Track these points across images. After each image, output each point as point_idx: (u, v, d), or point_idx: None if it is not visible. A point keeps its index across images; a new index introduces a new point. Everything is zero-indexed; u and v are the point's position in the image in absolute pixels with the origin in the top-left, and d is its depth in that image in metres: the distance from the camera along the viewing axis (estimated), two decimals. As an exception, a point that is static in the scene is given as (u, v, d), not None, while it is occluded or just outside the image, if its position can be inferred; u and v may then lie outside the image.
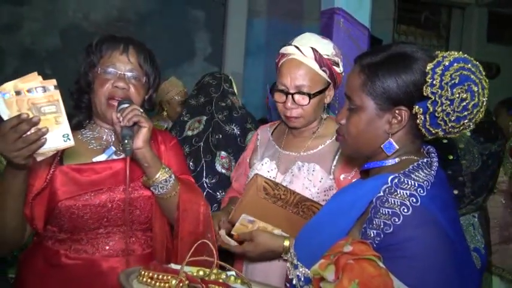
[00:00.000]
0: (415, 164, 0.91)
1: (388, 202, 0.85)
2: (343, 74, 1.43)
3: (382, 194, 0.87)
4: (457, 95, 0.86)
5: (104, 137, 1.31)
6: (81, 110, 1.30)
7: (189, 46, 4.60)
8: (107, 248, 1.24)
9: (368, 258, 0.76)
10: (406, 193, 0.85)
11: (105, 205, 1.22)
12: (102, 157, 1.27)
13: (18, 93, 0.98)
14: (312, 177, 1.37)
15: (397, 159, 0.94)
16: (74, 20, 4.26)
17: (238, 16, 4.56)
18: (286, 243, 1.28)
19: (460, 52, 0.88)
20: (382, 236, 0.84)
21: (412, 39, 5.39)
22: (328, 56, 1.37)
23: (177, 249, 1.26)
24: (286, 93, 1.37)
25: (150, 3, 4.46)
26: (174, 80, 3.16)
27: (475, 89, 0.87)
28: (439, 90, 0.86)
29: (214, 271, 0.92)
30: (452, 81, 0.86)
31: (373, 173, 0.98)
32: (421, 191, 0.86)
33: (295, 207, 1.31)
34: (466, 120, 0.89)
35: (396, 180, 0.88)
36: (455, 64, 0.86)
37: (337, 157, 1.38)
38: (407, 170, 0.89)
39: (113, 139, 1.32)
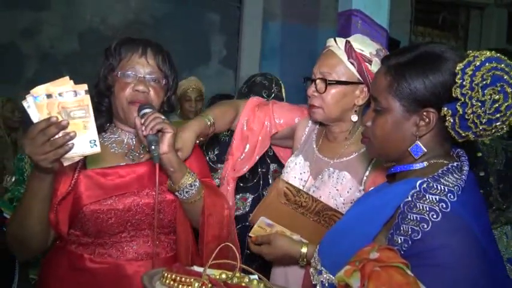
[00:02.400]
0: (445, 168, 0.87)
1: (416, 207, 0.82)
2: None
3: (410, 199, 0.84)
4: (489, 96, 0.83)
5: (125, 140, 1.31)
6: (101, 113, 1.30)
7: (205, 49, 4.62)
8: (131, 251, 1.24)
9: (396, 265, 0.74)
10: (435, 198, 0.82)
11: (129, 209, 1.21)
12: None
13: (49, 96, 0.99)
14: (340, 187, 1.31)
15: (425, 163, 0.91)
16: (92, 24, 4.33)
17: (254, 19, 4.56)
18: (304, 249, 1.25)
19: (493, 51, 0.85)
20: (410, 242, 0.81)
21: (429, 40, 5.29)
22: (361, 51, 1.31)
23: (203, 253, 1.25)
24: (312, 80, 1.36)
25: (166, 6, 4.50)
26: (191, 78, 3.18)
27: (509, 90, 0.83)
28: (469, 92, 0.83)
29: (237, 274, 0.91)
30: (484, 82, 0.82)
31: (400, 177, 0.95)
32: (451, 197, 0.82)
33: (316, 215, 1.28)
34: (499, 123, 0.85)
35: (425, 185, 0.84)
36: (487, 64, 0.83)
37: (370, 167, 1.31)
38: (436, 174, 0.86)
39: (134, 142, 1.32)
